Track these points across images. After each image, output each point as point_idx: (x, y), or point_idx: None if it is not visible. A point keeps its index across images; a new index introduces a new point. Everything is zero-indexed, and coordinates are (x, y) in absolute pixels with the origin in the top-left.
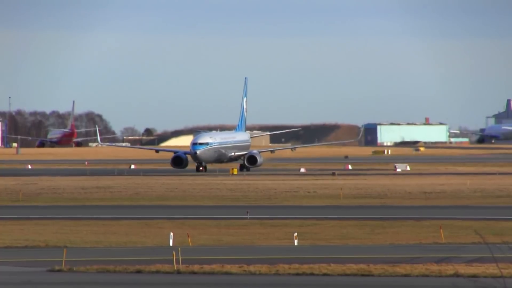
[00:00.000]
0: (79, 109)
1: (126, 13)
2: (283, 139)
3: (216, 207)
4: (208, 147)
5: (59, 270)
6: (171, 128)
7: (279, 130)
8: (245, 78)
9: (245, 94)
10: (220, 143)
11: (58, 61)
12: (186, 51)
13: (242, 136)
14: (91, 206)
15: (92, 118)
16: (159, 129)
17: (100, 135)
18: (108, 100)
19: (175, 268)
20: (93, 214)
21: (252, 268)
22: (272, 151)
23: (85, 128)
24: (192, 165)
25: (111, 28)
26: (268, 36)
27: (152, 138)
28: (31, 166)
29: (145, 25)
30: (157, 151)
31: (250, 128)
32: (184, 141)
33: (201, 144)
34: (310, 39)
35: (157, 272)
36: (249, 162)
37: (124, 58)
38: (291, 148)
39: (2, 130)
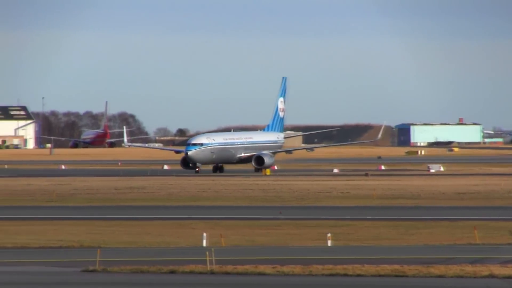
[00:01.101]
0: (112, 110)
1: (157, 13)
2: (315, 140)
3: (249, 207)
4: (203, 148)
5: (93, 271)
6: (204, 128)
7: (313, 131)
8: (283, 78)
9: (282, 94)
10: (222, 144)
11: (91, 62)
12: (219, 51)
13: (266, 137)
14: (125, 207)
15: (125, 119)
16: (192, 129)
17: (129, 136)
18: (142, 101)
19: (208, 268)
20: (126, 214)
21: (285, 268)
22: (288, 152)
23: (118, 128)
24: (208, 167)
25: (144, 29)
26: (304, 36)
27: (185, 139)
28: (64, 166)
29: (178, 25)
30: (177, 151)
31: (284, 129)
32: None
33: (194, 144)
34: (346, 40)
35: (191, 272)
36: (257, 163)
37: (157, 59)
38: (307, 149)
39: (36, 131)
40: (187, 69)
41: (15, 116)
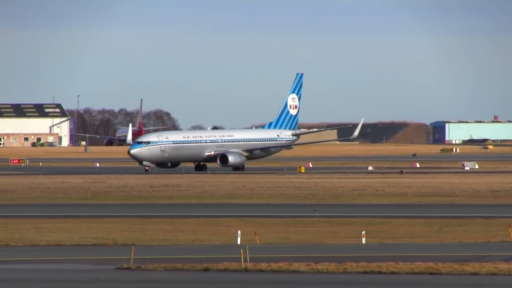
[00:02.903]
0: (147, 107)
1: (190, 11)
2: (351, 137)
3: (283, 205)
4: (149, 146)
5: (127, 268)
6: (238, 126)
7: (346, 128)
8: (297, 74)
9: (294, 91)
10: (179, 142)
11: (126, 60)
12: (254, 48)
13: (260, 134)
14: (159, 205)
15: (160, 116)
16: (227, 127)
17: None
18: (177, 98)
19: (242, 266)
20: (161, 212)
21: (319, 266)
22: (288, 147)
23: (153, 126)
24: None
25: (179, 27)
26: (334, 34)
27: None
28: (99, 164)
29: (209, 24)
30: None
31: (318, 126)
32: None
33: (140, 143)
34: (377, 37)
35: (225, 270)
36: (221, 161)
37: (193, 56)
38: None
39: (70, 129)
40: (222, 66)
41: (50, 114)
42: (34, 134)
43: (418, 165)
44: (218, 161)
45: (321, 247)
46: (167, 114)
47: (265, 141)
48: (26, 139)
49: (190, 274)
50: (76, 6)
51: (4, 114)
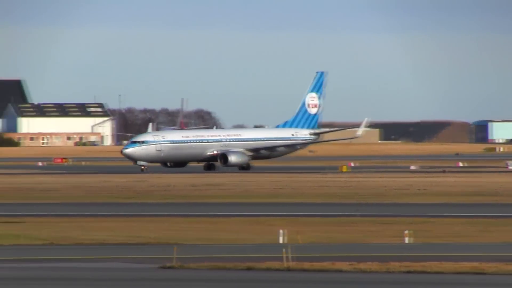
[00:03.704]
0: (189, 107)
1: (227, 10)
2: (392, 136)
3: (326, 204)
4: (144, 145)
5: (170, 267)
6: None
7: (390, 127)
8: (317, 72)
9: (314, 89)
10: (177, 141)
11: (168, 59)
12: (293, 47)
13: (271, 134)
14: (202, 203)
15: (201, 116)
16: (269, 125)
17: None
18: (218, 98)
19: (285, 265)
20: (203, 211)
21: (362, 265)
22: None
23: (195, 125)
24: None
25: (218, 26)
26: (386, 32)
27: None
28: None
29: (248, 23)
30: None
31: (359, 125)
32: None
33: (134, 142)
34: (426, 34)
35: (268, 269)
36: (222, 160)
37: (235, 55)
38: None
39: (112, 128)
40: (263, 65)
41: (92, 113)
42: (77, 134)
43: (461, 164)
44: (218, 160)
45: (364, 246)
46: (209, 113)
47: (275, 140)
48: (69, 138)
49: (232, 273)
50: (118, 6)
51: (47, 114)
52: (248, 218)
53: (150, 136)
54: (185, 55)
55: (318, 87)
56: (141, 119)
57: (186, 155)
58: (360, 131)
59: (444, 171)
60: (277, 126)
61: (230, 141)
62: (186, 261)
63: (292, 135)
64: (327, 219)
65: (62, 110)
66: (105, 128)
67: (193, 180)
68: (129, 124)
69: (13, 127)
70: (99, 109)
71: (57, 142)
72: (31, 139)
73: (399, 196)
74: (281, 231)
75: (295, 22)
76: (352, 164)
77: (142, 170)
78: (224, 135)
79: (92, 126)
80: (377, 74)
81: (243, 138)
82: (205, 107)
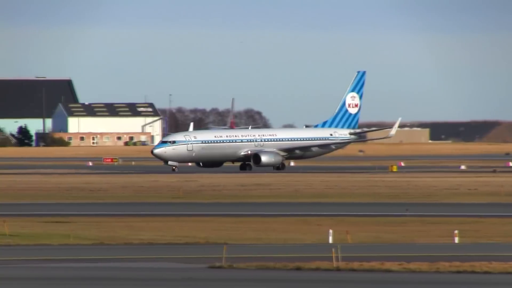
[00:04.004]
0: (239, 106)
1: (270, 10)
2: (442, 136)
3: (375, 204)
4: (174, 146)
5: (219, 267)
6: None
7: (439, 127)
8: (358, 72)
9: (354, 89)
10: (209, 141)
11: (217, 60)
12: (334, 47)
13: (308, 133)
14: (251, 203)
15: (251, 116)
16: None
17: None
18: (268, 97)
19: (334, 265)
20: (252, 211)
21: (412, 265)
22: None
23: (245, 125)
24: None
25: (267, 26)
26: (431, 31)
27: None
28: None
29: (293, 23)
30: None
31: (409, 125)
32: None
33: (164, 142)
34: (471, 34)
35: (317, 269)
36: (254, 161)
37: (283, 55)
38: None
39: (162, 128)
40: (315, 65)
41: (142, 113)
42: (127, 133)
43: (511, 164)
44: (251, 160)
45: (413, 246)
46: (259, 113)
47: (312, 140)
48: (119, 138)
49: (281, 273)
50: (169, 6)
51: (97, 113)
52: (297, 218)
53: (181, 136)
54: (235, 55)
55: (359, 87)
56: (191, 119)
57: (219, 155)
58: (393, 130)
59: (494, 171)
60: (316, 126)
61: (264, 141)
62: (235, 261)
63: (331, 135)
64: (376, 219)
65: (112, 110)
66: (155, 127)
67: (242, 180)
68: (179, 124)
69: (63, 127)
70: (149, 109)
71: (107, 142)
72: (81, 138)
73: (448, 196)
74: (330, 231)
75: (345, 22)
76: (402, 164)
77: (173, 170)
78: (258, 135)
79: (142, 126)
80: (424, 75)
81: (277, 138)
82: (255, 107)
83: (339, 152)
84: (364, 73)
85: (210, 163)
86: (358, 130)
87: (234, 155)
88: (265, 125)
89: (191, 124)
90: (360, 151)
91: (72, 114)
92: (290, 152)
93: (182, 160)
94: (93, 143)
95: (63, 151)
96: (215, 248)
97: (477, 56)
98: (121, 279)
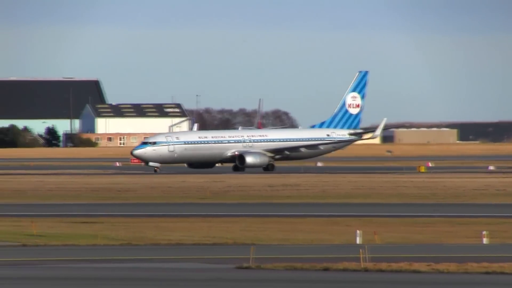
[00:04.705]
0: (267, 107)
1: (294, 11)
2: (471, 137)
3: (403, 204)
4: (155, 146)
5: (247, 268)
6: (362, 124)
7: (467, 128)
8: (360, 72)
9: (355, 89)
10: (192, 142)
11: (245, 60)
12: (377, 47)
13: (303, 134)
14: (278, 204)
15: (278, 116)
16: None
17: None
18: (296, 98)
19: (362, 266)
20: (280, 211)
21: (440, 266)
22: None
23: (272, 126)
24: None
25: (295, 26)
26: (456, 32)
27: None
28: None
29: (315, 24)
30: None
31: (437, 125)
32: (370, 139)
33: (145, 143)
34: (501, 35)
35: (344, 270)
36: (239, 161)
37: (311, 56)
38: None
39: (190, 128)
40: (343, 65)
41: (169, 114)
42: (154, 134)
43: None
44: (236, 161)
45: (441, 247)
46: (286, 113)
47: (302, 141)
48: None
49: (309, 274)
50: (195, 7)
51: (125, 114)
52: (325, 218)
53: (162, 137)
54: (262, 56)
55: (361, 87)
56: (218, 120)
57: (203, 156)
58: (378, 131)
59: None
60: (313, 126)
61: (253, 142)
62: (263, 262)
63: (327, 135)
64: (404, 220)
65: (139, 111)
66: (182, 128)
67: (270, 181)
68: (207, 125)
69: (91, 128)
70: (177, 110)
71: (134, 142)
72: (109, 139)
73: (477, 197)
74: (358, 231)
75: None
76: (430, 164)
77: (155, 171)
78: (247, 136)
79: (170, 127)
80: (454, 75)
81: (267, 139)
82: (283, 107)
83: (366, 152)
84: (366, 73)
85: (199, 164)
86: (358, 131)
87: (221, 156)
88: (292, 125)
89: (196, 125)
90: (388, 151)
91: (99, 114)
92: (278, 153)
93: (163, 161)
94: (121, 143)
95: (90, 151)
96: (243, 249)
97: (506, 56)
98: (149, 280)
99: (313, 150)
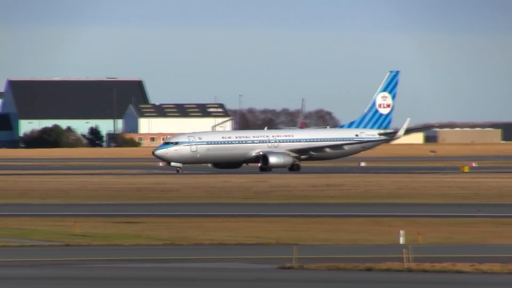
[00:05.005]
0: (310, 107)
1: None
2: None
3: (446, 205)
4: (176, 147)
5: (289, 268)
6: (402, 125)
7: (511, 127)
8: (390, 72)
9: (386, 89)
10: (214, 142)
11: (288, 60)
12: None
13: (330, 134)
14: (321, 204)
15: (321, 116)
16: (391, 126)
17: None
18: (339, 98)
19: (405, 266)
20: (323, 211)
21: (484, 266)
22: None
23: (315, 125)
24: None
25: (339, 25)
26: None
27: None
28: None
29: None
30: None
31: (481, 125)
32: (414, 139)
33: (167, 143)
34: None
35: (388, 270)
36: (262, 161)
37: (352, 55)
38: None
39: (233, 128)
40: (384, 65)
41: (212, 114)
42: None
43: None
44: (260, 161)
45: (485, 247)
46: (329, 113)
47: (331, 141)
48: None
49: (352, 274)
50: (241, 7)
51: (168, 114)
52: (368, 218)
53: (184, 137)
54: (304, 56)
55: (392, 87)
56: (261, 120)
57: (227, 156)
58: (401, 131)
59: None
60: (342, 126)
61: (279, 142)
62: (306, 262)
63: (356, 135)
64: (447, 220)
65: (182, 111)
66: (225, 128)
67: (313, 181)
68: (250, 125)
69: (134, 128)
70: (220, 110)
71: None
72: (152, 139)
73: None
74: (401, 231)
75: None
76: (474, 165)
77: (177, 171)
78: (272, 136)
79: (213, 127)
80: (494, 75)
81: (293, 139)
82: (326, 107)
83: (409, 152)
84: (397, 73)
85: (224, 164)
86: (388, 131)
87: (245, 156)
88: (335, 125)
89: (229, 123)
90: (431, 151)
91: (142, 114)
92: (303, 153)
93: (185, 161)
94: None
95: (134, 151)
96: (286, 249)
97: None
98: (191, 280)
99: (339, 151)
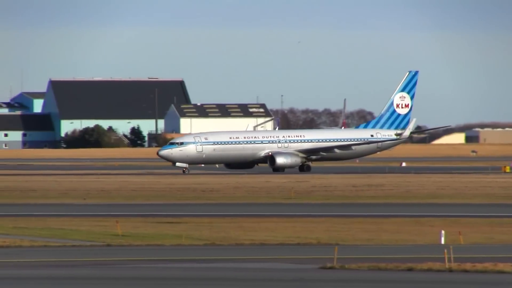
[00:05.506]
0: (351, 107)
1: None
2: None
3: (488, 205)
4: (181, 147)
5: (330, 268)
6: (442, 125)
7: None
8: (409, 72)
9: (404, 89)
10: (221, 143)
11: (328, 60)
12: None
13: (344, 134)
14: (362, 204)
15: (363, 116)
16: (431, 126)
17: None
18: (379, 98)
19: (447, 266)
20: (364, 212)
21: None
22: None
23: (356, 126)
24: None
25: (374, 25)
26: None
27: (423, 136)
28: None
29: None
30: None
31: (502, 126)
32: (455, 139)
33: (172, 144)
34: None
35: (429, 270)
36: (270, 162)
37: (397, 56)
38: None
39: (274, 128)
40: (429, 64)
41: (254, 114)
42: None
43: None
44: (268, 161)
45: None
46: (370, 113)
47: (342, 141)
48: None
49: (393, 274)
50: (282, 8)
51: (209, 114)
52: (409, 218)
53: (190, 137)
54: (345, 56)
55: (410, 87)
56: (302, 120)
57: (234, 156)
58: (407, 132)
59: None
60: (358, 127)
61: (289, 142)
62: (347, 262)
63: (372, 136)
64: (488, 220)
65: (223, 111)
66: (267, 128)
67: (354, 181)
68: (291, 125)
69: (175, 128)
70: (261, 110)
71: None
72: None
73: None
74: (442, 231)
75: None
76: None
77: (184, 172)
78: (283, 136)
79: (254, 127)
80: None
81: (303, 139)
82: (367, 107)
83: (450, 152)
84: (416, 73)
85: (236, 164)
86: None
87: (253, 157)
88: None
89: (271, 123)
90: (473, 151)
91: (184, 114)
92: (313, 153)
93: (191, 161)
94: None
95: None
96: (327, 249)
97: None
98: (232, 280)
99: (350, 151)
